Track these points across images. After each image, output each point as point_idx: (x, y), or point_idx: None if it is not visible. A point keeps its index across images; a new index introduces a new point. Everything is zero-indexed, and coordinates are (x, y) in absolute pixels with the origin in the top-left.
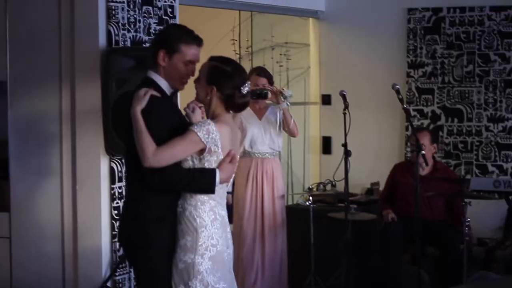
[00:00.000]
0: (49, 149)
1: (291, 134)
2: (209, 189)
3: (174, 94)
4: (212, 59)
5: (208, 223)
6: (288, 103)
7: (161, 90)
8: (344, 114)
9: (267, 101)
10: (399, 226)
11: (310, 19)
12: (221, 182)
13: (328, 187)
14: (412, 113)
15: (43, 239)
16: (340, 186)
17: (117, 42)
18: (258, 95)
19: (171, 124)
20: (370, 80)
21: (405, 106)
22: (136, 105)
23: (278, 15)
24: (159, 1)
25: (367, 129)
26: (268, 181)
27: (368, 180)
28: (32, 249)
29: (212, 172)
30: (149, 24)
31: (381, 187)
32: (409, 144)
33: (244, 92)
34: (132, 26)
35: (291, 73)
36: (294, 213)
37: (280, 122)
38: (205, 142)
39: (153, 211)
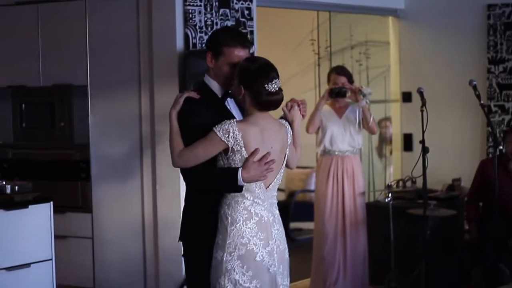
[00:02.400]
0: (129, 151)
1: (371, 131)
2: (233, 187)
3: (227, 95)
4: (243, 60)
5: (240, 222)
6: (368, 101)
7: (212, 92)
8: (422, 111)
9: (347, 100)
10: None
11: (390, 17)
12: (244, 181)
13: (408, 183)
14: (493, 109)
15: (125, 239)
16: (420, 183)
17: (194, 45)
18: (337, 93)
19: (206, 126)
20: (451, 77)
21: (482, 102)
22: (172, 108)
23: (357, 14)
24: (236, 3)
25: (448, 126)
26: (349, 179)
27: (449, 177)
28: (114, 248)
29: (234, 170)
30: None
31: (463, 183)
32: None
33: (271, 90)
34: (209, 28)
35: (371, 71)
36: (373, 210)
37: (359, 120)
38: (225, 141)
39: (197, 210)
